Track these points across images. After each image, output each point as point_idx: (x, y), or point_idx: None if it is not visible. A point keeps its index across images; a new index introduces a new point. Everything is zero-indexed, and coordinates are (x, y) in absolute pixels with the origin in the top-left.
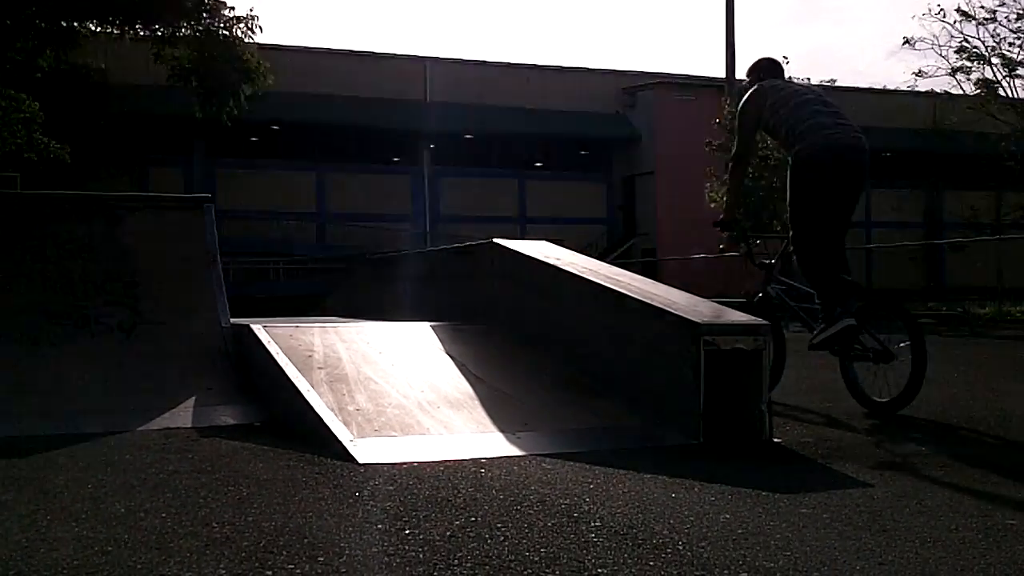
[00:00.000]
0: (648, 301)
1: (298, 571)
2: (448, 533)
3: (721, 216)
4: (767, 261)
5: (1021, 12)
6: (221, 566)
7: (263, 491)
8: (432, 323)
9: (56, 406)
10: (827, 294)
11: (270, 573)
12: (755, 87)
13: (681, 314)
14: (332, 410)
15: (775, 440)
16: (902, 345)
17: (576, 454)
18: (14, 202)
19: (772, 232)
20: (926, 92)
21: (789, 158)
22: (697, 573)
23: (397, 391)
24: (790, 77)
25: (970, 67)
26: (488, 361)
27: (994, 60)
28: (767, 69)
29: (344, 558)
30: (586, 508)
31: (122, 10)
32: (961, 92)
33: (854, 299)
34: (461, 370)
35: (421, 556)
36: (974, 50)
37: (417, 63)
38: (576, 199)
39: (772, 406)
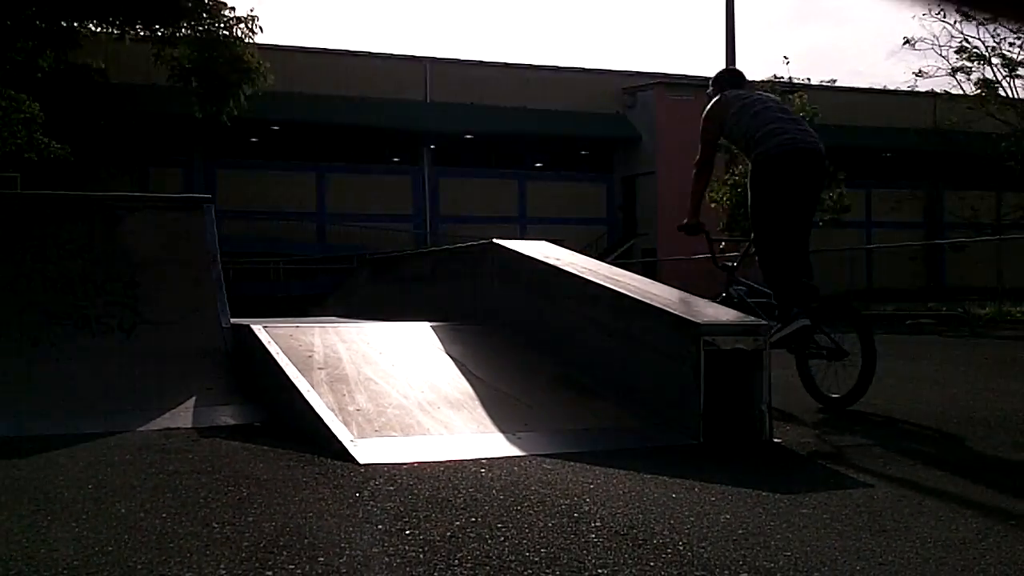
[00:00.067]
0: (648, 301)
1: (298, 571)
2: (448, 533)
3: (685, 220)
4: (729, 263)
5: None
6: (221, 566)
7: (263, 491)
8: (432, 323)
9: (56, 406)
10: (784, 295)
11: (270, 573)
12: (717, 98)
13: (681, 314)
14: (332, 410)
15: (775, 440)
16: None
17: (576, 454)
18: (14, 202)
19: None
20: (926, 92)
21: (750, 163)
22: (697, 573)
23: (397, 391)
24: (790, 78)
25: (970, 67)
26: (488, 361)
27: (994, 60)
28: (729, 80)
29: (344, 558)
30: (586, 508)
31: (122, 10)
32: (961, 92)
33: (810, 300)
34: (461, 370)
35: (421, 556)
36: (974, 50)
37: (417, 63)
38: (576, 199)
39: (772, 406)
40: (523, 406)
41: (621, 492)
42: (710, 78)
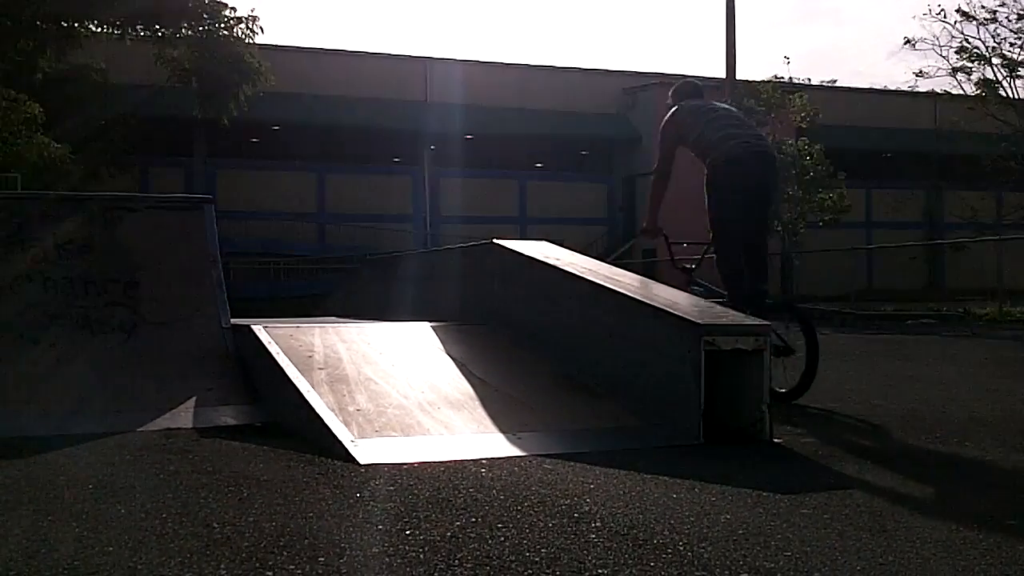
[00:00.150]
0: (648, 301)
1: (299, 571)
2: (449, 533)
3: (644, 224)
4: (688, 265)
5: (1021, 12)
6: (222, 566)
7: (264, 492)
8: (432, 323)
9: (56, 406)
10: (736, 296)
11: (271, 573)
12: (675, 108)
13: (681, 314)
14: (333, 411)
15: (775, 440)
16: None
17: (577, 454)
18: (14, 202)
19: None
20: (926, 92)
21: (705, 169)
22: (698, 573)
23: (398, 391)
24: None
25: (971, 67)
26: (488, 361)
27: (995, 60)
28: (686, 92)
29: (345, 558)
30: (587, 508)
31: (123, 11)
32: (962, 92)
33: (760, 301)
34: (461, 370)
35: (422, 556)
36: (975, 50)
37: (417, 63)
38: (576, 199)
39: (772, 406)
40: (523, 406)
41: (621, 492)
42: (711, 78)
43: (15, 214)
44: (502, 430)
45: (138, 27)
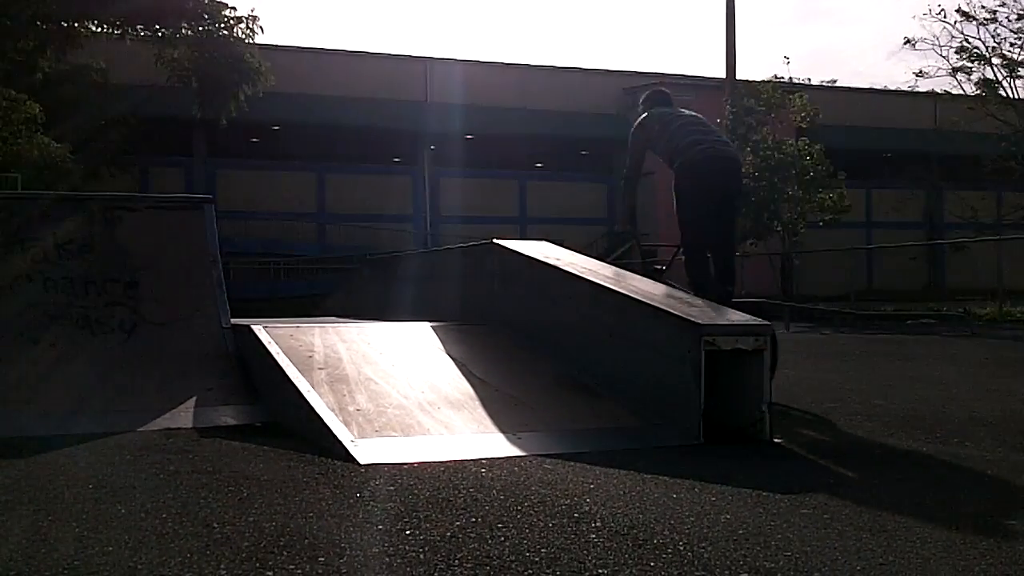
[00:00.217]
0: (649, 301)
1: (299, 571)
2: (449, 533)
3: (616, 227)
4: (657, 267)
5: (1021, 12)
6: (222, 566)
7: (264, 491)
8: (432, 323)
9: (56, 406)
10: (703, 296)
11: (271, 573)
12: (644, 115)
13: (681, 314)
14: (333, 411)
15: (775, 440)
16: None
17: (577, 454)
18: (14, 202)
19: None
20: (927, 92)
21: (673, 172)
22: (698, 573)
23: (398, 391)
24: (790, 78)
25: (971, 67)
26: (488, 361)
27: (994, 60)
28: (656, 99)
29: (345, 558)
30: (587, 508)
31: (123, 11)
32: (962, 92)
33: (726, 301)
34: (461, 370)
35: (422, 556)
36: (974, 50)
37: (417, 63)
38: (576, 199)
39: (772, 406)
40: (523, 406)
41: (621, 492)
42: (711, 78)
43: (15, 214)
44: (502, 430)
45: (138, 27)
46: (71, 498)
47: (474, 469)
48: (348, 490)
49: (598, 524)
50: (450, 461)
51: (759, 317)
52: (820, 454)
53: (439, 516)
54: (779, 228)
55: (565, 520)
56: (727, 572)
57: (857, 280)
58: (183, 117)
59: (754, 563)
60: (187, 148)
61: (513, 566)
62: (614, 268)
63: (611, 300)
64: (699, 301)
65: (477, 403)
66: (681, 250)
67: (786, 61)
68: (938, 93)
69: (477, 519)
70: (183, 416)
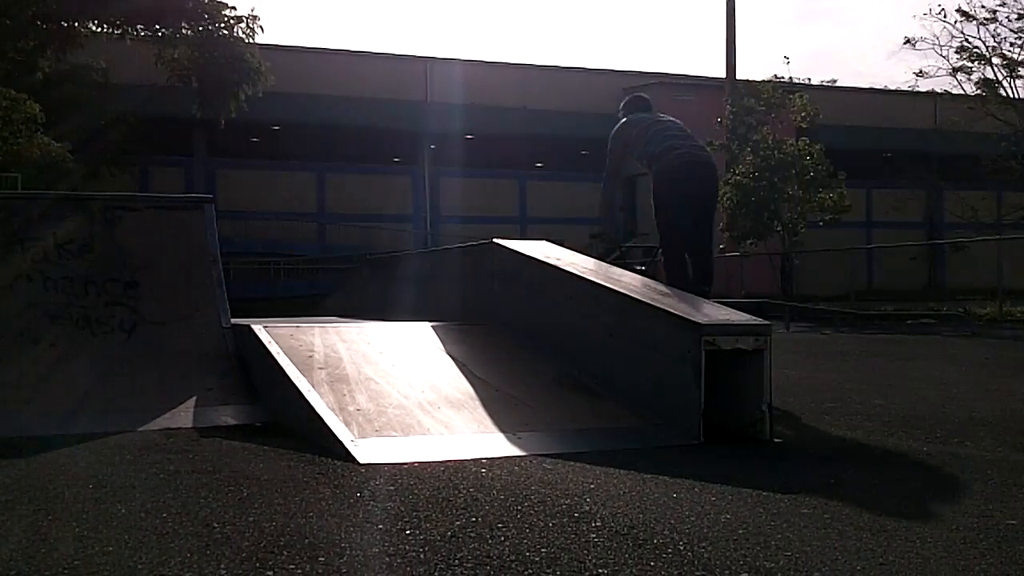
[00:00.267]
0: (649, 301)
1: (299, 571)
2: (449, 533)
3: (594, 229)
4: (638, 267)
5: (1022, 12)
6: (222, 566)
7: (264, 491)
8: (432, 323)
9: (56, 406)
10: None
11: (271, 573)
12: (624, 120)
13: (682, 314)
14: (333, 410)
15: (776, 440)
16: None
17: (577, 454)
18: (14, 202)
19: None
20: (927, 92)
21: (651, 177)
22: (698, 573)
23: (398, 391)
24: (791, 78)
25: (971, 67)
26: (488, 361)
27: (995, 60)
28: (635, 105)
29: (345, 558)
30: (587, 508)
31: (123, 11)
32: (962, 92)
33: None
34: (461, 370)
35: (422, 556)
36: (975, 50)
37: (418, 63)
38: (576, 199)
39: (772, 406)
40: (523, 406)
41: (621, 492)
42: (712, 78)
43: (15, 214)
44: (502, 430)
45: (138, 27)
46: (71, 498)
47: (474, 469)
48: (348, 490)
49: (598, 524)
50: (450, 461)
51: (759, 317)
52: (820, 454)
53: (439, 516)
54: (779, 228)
55: (565, 520)
56: (727, 572)
57: (857, 280)
58: (183, 117)
59: (754, 563)
60: (187, 148)
61: (513, 566)
62: (614, 268)
63: (611, 300)
64: (700, 300)
65: (477, 403)
66: (660, 251)
67: (786, 61)
68: (938, 93)
69: (477, 519)
70: (183, 416)
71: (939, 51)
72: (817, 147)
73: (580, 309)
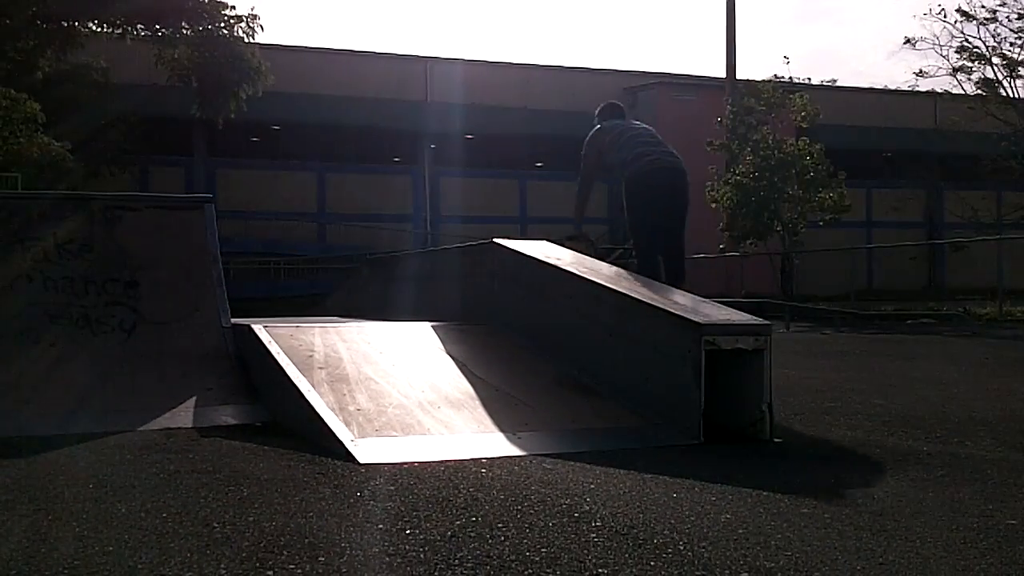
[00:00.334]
0: (649, 301)
1: (299, 571)
2: (449, 533)
3: (573, 231)
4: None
5: (1022, 12)
6: (222, 566)
7: (264, 491)
8: (432, 323)
9: (56, 406)
10: None
11: (271, 573)
12: (598, 127)
13: (682, 314)
14: (333, 410)
15: (776, 440)
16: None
17: (577, 454)
18: (14, 202)
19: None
20: (927, 92)
21: (623, 182)
22: (698, 573)
23: (398, 391)
24: (791, 77)
25: (971, 67)
26: (488, 361)
27: (995, 60)
28: (609, 112)
29: (345, 558)
30: (587, 508)
31: (123, 11)
32: (962, 92)
33: None
34: (462, 370)
35: (422, 556)
36: (975, 50)
37: (418, 63)
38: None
39: (772, 406)
40: (523, 406)
41: (621, 492)
42: (712, 78)
43: (15, 214)
44: (502, 430)
45: (138, 27)
46: (71, 498)
47: (474, 469)
48: (348, 490)
49: (598, 524)
50: (450, 461)
51: (759, 317)
52: (820, 454)
53: (439, 516)
54: (779, 228)
55: (565, 520)
56: (727, 572)
57: (857, 280)
58: (183, 117)
59: (754, 563)
60: (187, 148)
61: (513, 566)
62: (614, 267)
63: (611, 300)
64: (700, 300)
65: (477, 403)
66: (631, 252)
67: (786, 61)
68: (938, 93)
69: (477, 519)
70: (183, 416)
71: (939, 51)
72: (817, 147)
73: (580, 309)
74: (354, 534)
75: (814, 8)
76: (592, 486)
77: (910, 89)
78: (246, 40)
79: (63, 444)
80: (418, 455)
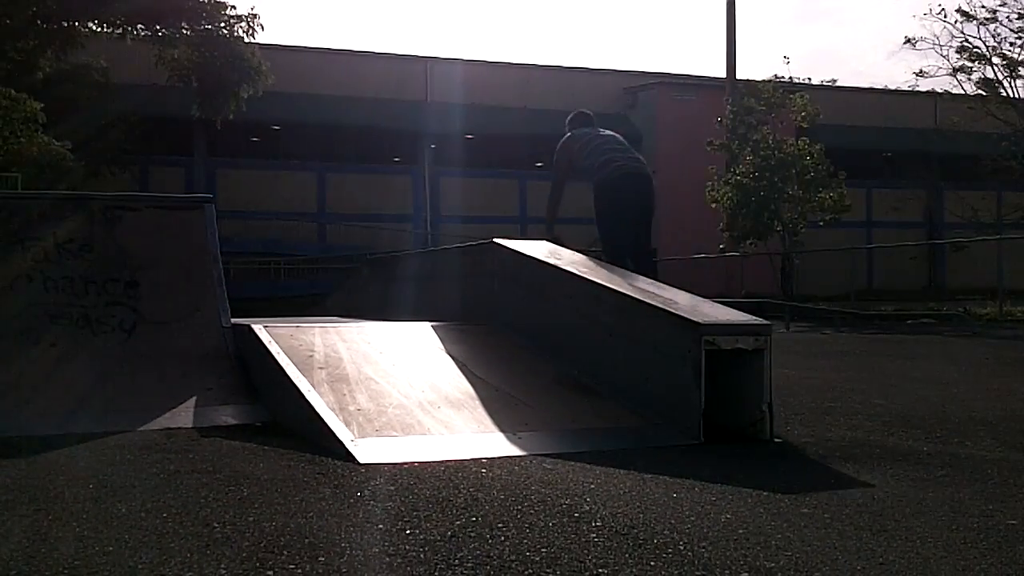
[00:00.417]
0: (649, 301)
1: (299, 571)
2: (449, 533)
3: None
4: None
5: (1022, 12)
6: (222, 566)
7: (264, 491)
8: (432, 323)
9: (56, 406)
10: None
11: (271, 573)
12: (569, 135)
13: (682, 314)
14: (333, 410)
15: (776, 440)
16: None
17: (577, 454)
18: (14, 202)
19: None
20: (927, 92)
21: (592, 188)
22: (698, 573)
23: (398, 391)
24: (791, 77)
25: (971, 67)
26: (488, 361)
27: (995, 60)
28: (580, 121)
29: (345, 558)
30: (587, 508)
31: (123, 11)
32: (962, 92)
33: None
34: (462, 370)
35: (422, 556)
36: (975, 50)
37: (418, 63)
38: (577, 199)
39: (773, 406)
40: (523, 406)
41: (621, 492)
42: (712, 78)
43: (15, 214)
44: (502, 430)
45: (138, 27)
46: (71, 498)
47: (474, 469)
48: (348, 490)
49: (598, 524)
50: (450, 461)
51: (759, 317)
52: (820, 454)
53: (439, 516)
54: (779, 228)
55: (565, 520)
56: (727, 572)
57: (857, 280)
58: (183, 117)
59: (754, 563)
60: (187, 148)
61: (513, 566)
62: (614, 268)
63: (611, 300)
64: (700, 300)
65: (477, 403)
66: (601, 254)
67: (786, 61)
68: (938, 93)
69: (477, 519)
70: (183, 416)
71: (939, 51)
72: (817, 147)
73: (580, 309)
74: (354, 534)
75: (814, 8)
76: (592, 486)
77: (910, 89)
78: (246, 40)
79: (63, 444)
80: (418, 455)
